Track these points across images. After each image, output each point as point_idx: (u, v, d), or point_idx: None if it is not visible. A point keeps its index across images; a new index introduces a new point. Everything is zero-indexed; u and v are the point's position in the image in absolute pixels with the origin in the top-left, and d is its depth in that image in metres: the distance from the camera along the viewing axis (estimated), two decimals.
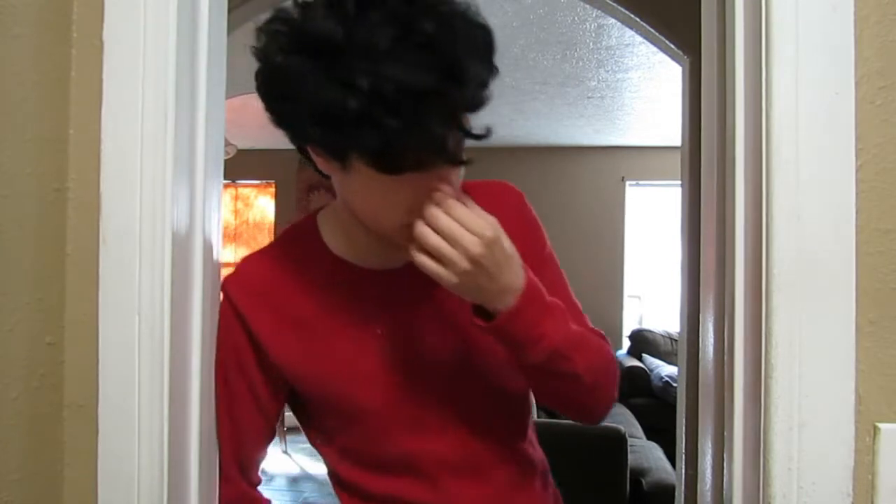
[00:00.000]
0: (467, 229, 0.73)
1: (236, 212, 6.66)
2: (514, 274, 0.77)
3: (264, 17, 0.75)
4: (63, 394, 0.87)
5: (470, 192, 0.82)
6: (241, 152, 5.31)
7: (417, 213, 0.74)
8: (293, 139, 0.79)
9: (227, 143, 4.57)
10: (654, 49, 2.47)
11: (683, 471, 2.21)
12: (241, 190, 6.66)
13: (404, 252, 0.78)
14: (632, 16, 2.24)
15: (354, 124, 0.66)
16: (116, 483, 0.85)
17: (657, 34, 2.25)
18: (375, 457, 0.92)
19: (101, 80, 0.86)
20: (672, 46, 2.25)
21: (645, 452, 3.33)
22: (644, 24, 2.25)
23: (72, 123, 0.88)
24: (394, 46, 0.65)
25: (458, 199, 0.75)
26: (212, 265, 0.95)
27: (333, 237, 0.90)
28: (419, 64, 0.65)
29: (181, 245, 0.88)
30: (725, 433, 0.84)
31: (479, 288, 0.75)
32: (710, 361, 0.92)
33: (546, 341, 0.80)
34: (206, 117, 0.92)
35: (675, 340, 5.31)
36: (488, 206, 0.79)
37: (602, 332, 0.94)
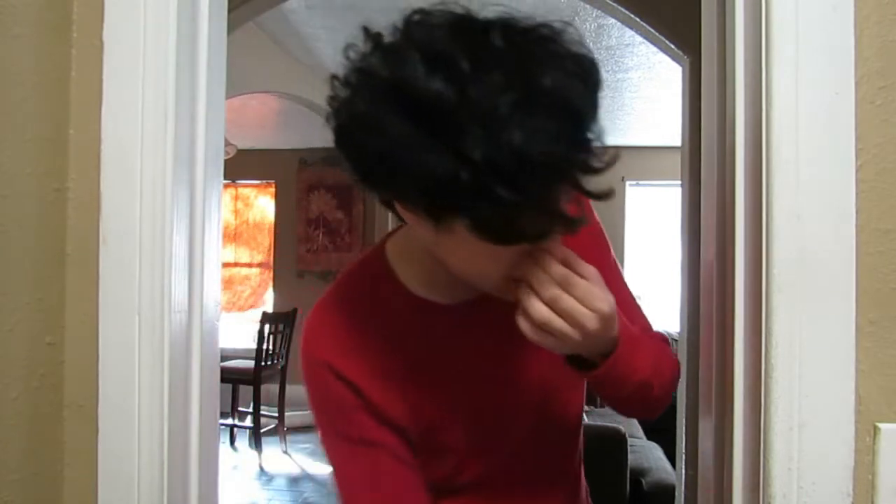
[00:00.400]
0: (586, 306, 0.69)
1: (236, 212, 6.66)
2: (615, 329, 0.74)
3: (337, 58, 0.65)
4: (63, 394, 0.87)
5: None
6: (241, 152, 5.31)
7: (520, 269, 0.70)
8: (383, 197, 0.72)
9: (227, 143, 4.57)
10: (654, 49, 2.47)
11: (683, 471, 2.21)
12: (241, 190, 6.66)
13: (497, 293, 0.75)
14: (632, 16, 2.24)
15: (465, 195, 0.59)
16: (116, 483, 0.85)
17: (657, 34, 2.25)
18: (445, 485, 0.90)
19: (101, 80, 0.86)
20: (672, 46, 2.25)
21: (645, 452, 3.33)
22: (644, 24, 2.25)
23: (72, 123, 0.88)
24: (512, 112, 0.57)
25: (564, 257, 0.70)
26: (212, 265, 0.95)
27: (411, 276, 0.84)
28: (540, 130, 0.57)
29: (181, 245, 0.88)
30: (725, 433, 0.84)
31: (580, 349, 0.75)
32: (710, 361, 0.92)
33: (636, 376, 0.80)
34: (206, 117, 0.92)
35: (676, 340, 5.31)
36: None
37: (663, 335, 0.94)
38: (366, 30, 0.64)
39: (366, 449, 0.83)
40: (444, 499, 0.89)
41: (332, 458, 0.86)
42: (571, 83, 0.60)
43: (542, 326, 0.69)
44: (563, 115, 0.59)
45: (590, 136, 0.61)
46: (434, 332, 0.84)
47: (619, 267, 0.95)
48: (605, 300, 0.70)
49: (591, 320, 0.69)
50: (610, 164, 0.63)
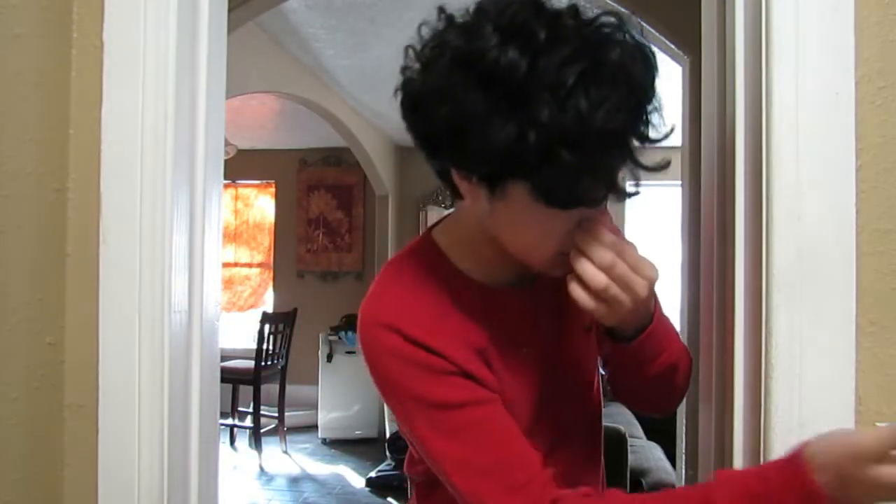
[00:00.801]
0: (637, 273, 0.72)
1: (236, 212, 6.66)
2: (653, 302, 0.80)
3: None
4: (63, 394, 0.87)
5: None
6: (241, 152, 5.31)
7: (570, 242, 0.73)
8: (442, 163, 0.73)
9: (227, 143, 4.57)
10: (655, 49, 2.47)
11: (684, 471, 2.21)
12: (241, 190, 6.65)
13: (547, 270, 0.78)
14: (632, 16, 2.24)
15: (530, 157, 0.63)
16: (117, 483, 0.85)
17: (657, 34, 2.25)
18: None
19: (101, 80, 0.86)
20: (672, 46, 2.25)
21: (645, 452, 3.32)
22: (644, 24, 2.25)
23: (72, 123, 0.88)
24: (579, 81, 0.62)
25: (614, 230, 0.74)
26: (212, 265, 0.95)
27: (465, 261, 0.84)
28: (604, 98, 0.62)
29: (181, 244, 0.88)
30: (726, 433, 0.84)
31: (624, 321, 0.78)
32: (710, 361, 0.92)
33: (665, 355, 0.84)
34: (206, 117, 0.92)
35: None
36: None
37: None
38: (440, 9, 0.69)
39: (477, 408, 0.79)
40: None
41: (439, 438, 0.79)
42: (634, 61, 0.65)
43: (598, 294, 0.72)
44: (626, 87, 0.64)
45: (649, 108, 0.67)
46: (491, 313, 0.83)
47: None
48: (653, 267, 0.74)
49: (642, 287, 0.73)
50: (666, 136, 0.68)
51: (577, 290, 0.72)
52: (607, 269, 0.71)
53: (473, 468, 0.77)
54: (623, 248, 0.72)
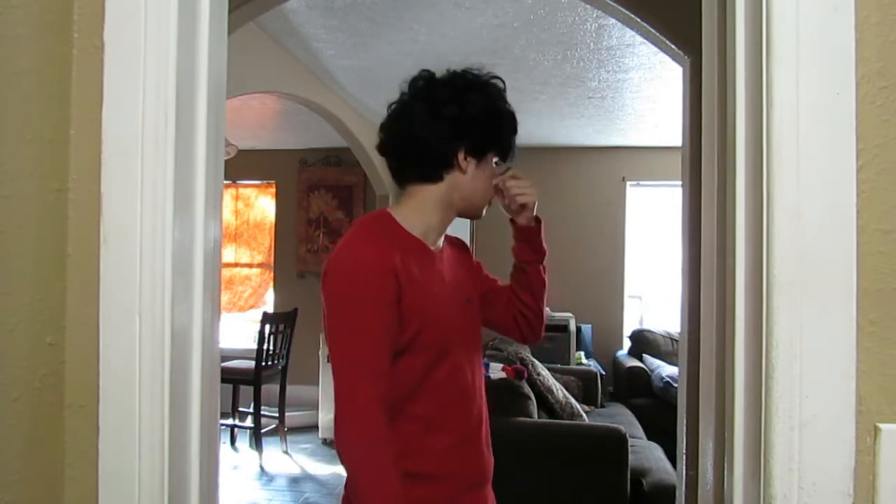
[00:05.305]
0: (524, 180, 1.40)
1: (236, 212, 6.66)
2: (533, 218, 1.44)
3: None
4: (64, 394, 0.87)
5: (449, 240, 1.45)
6: (241, 152, 5.31)
7: (491, 189, 1.40)
8: (454, 150, 1.34)
9: (228, 143, 4.57)
10: (655, 49, 2.47)
11: (684, 471, 2.21)
12: (241, 190, 6.66)
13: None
14: (632, 16, 2.24)
15: (502, 136, 1.39)
16: (117, 483, 0.85)
17: (658, 34, 2.25)
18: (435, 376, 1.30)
19: (101, 81, 0.86)
20: (673, 46, 2.24)
21: (646, 453, 3.33)
22: (645, 25, 2.25)
23: (72, 123, 0.88)
24: (495, 99, 1.37)
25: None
26: (212, 265, 0.95)
27: (414, 227, 1.33)
28: (506, 109, 1.39)
29: (181, 245, 0.88)
30: (726, 433, 0.84)
31: (534, 207, 1.43)
32: (711, 361, 0.92)
33: (542, 261, 1.48)
34: (206, 117, 0.92)
35: (676, 340, 5.31)
36: (454, 244, 1.48)
37: None
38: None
39: (389, 329, 1.23)
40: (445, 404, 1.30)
41: (365, 331, 1.23)
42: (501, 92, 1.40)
43: (517, 192, 1.40)
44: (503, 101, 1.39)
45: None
46: (431, 261, 1.34)
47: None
48: (530, 180, 1.43)
49: (531, 192, 1.42)
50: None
51: (521, 197, 1.41)
52: (515, 184, 1.40)
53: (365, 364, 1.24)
54: (513, 174, 1.40)
